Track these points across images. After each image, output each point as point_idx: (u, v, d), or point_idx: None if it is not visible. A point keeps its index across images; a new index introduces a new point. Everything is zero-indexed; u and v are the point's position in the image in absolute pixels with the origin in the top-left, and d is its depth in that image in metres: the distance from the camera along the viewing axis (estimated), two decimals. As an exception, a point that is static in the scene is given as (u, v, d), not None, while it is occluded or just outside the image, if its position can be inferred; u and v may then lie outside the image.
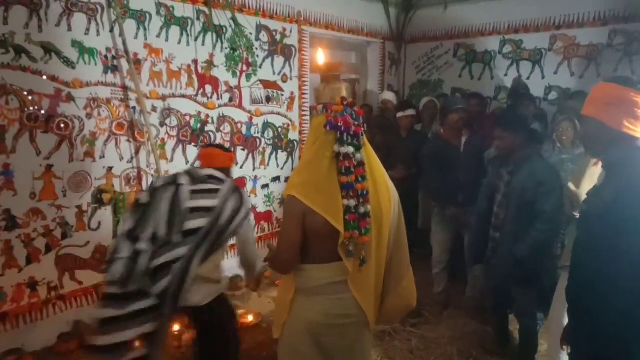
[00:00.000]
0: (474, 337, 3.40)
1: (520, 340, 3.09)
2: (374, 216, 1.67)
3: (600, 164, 1.88)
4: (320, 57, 1.89)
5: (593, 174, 2.44)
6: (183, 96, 3.78)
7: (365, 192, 1.65)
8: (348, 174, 1.62)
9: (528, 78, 5.15)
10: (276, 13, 4.43)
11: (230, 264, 3.89)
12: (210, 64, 3.94)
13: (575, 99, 3.92)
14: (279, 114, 4.63)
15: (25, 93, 2.89)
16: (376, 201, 1.70)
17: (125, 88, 3.38)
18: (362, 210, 1.63)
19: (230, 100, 4.16)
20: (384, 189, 1.74)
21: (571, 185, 2.60)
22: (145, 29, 3.45)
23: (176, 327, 3.33)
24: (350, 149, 1.63)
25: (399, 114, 4.64)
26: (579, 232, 1.82)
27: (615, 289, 1.56)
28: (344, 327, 1.75)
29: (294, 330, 1.78)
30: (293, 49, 4.67)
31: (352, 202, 1.61)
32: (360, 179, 1.64)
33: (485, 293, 3.23)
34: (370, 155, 1.73)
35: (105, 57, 3.26)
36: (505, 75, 5.32)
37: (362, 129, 1.68)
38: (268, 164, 4.61)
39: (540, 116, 4.22)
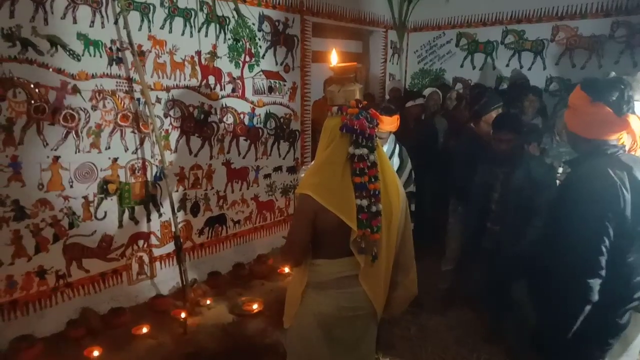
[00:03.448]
0: (470, 326, 3.48)
1: (514, 329, 3.17)
2: (384, 215, 1.74)
3: None
4: (334, 58, 1.90)
5: None
6: (186, 87, 3.79)
7: (377, 192, 1.70)
8: (362, 175, 1.67)
9: (529, 69, 5.18)
10: (279, 3, 4.41)
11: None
12: (213, 55, 3.94)
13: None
14: (281, 104, 4.65)
15: (32, 86, 2.90)
16: (386, 200, 1.76)
17: (129, 80, 3.39)
18: (374, 209, 1.69)
19: (233, 90, 4.17)
20: (393, 189, 1.80)
21: None
22: (149, 21, 3.45)
23: (182, 315, 3.41)
24: (365, 151, 1.68)
25: (409, 103, 4.59)
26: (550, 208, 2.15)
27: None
28: (354, 319, 1.83)
29: (305, 322, 1.85)
30: (295, 39, 4.66)
31: (365, 202, 1.67)
32: (372, 180, 1.70)
33: (483, 285, 3.30)
34: (381, 156, 1.79)
35: (110, 49, 3.25)
36: (507, 65, 5.36)
37: (376, 131, 1.72)
38: (270, 154, 4.64)
39: (542, 110, 4.24)
